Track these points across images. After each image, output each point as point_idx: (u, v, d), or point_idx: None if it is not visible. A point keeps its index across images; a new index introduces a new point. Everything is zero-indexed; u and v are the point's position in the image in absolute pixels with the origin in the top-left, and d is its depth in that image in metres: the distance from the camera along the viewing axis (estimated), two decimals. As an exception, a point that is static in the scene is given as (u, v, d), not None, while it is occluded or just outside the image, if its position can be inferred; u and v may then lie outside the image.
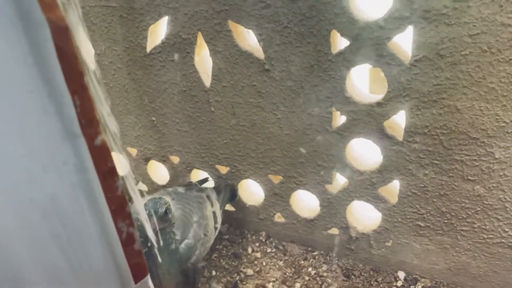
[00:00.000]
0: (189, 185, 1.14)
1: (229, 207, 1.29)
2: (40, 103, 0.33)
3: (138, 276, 0.43)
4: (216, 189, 1.17)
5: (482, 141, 0.85)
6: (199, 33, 0.99)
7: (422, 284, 1.09)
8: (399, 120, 0.93)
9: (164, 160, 1.29)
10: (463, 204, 0.94)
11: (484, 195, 0.91)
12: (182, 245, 0.90)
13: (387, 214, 1.05)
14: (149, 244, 0.82)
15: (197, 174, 1.29)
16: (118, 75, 1.17)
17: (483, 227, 0.95)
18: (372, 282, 1.12)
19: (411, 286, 1.09)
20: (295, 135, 1.04)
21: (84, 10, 1.08)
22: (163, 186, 1.35)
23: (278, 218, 1.23)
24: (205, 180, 1.22)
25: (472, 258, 1.01)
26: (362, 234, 1.12)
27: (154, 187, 1.37)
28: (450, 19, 0.75)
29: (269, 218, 1.24)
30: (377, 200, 1.04)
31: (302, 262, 1.19)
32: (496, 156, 0.85)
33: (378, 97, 0.90)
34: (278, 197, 1.18)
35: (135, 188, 0.51)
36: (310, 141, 1.03)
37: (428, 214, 0.99)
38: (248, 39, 0.99)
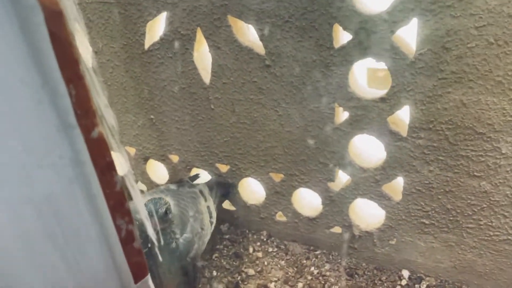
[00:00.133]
0: (181, 182, 1.12)
1: (229, 206, 1.28)
2: (33, 93, 0.31)
3: (138, 275, 0.41)
4: (208, 184, 1.16)
5: (489, 136, 0.83)
6: (198, 28, 0.98)
7: (427, 283, 1.07)
8: (403, 116, 0.91)
9: (163, 159, 1.27)
10: (469, 201, 0.93)
11: (491, 191, 0.89)
12: (181, 240, 0.88)
13: (391, 212, 1.03)
14: (149, 245, 0.80)
15: (202, 174, 1.27)
16: (116, 72, 1.15)
17: (489, 224, 0.94)
18: (376, 281, 1.10)
19: (416, 285, 1.07)
20: (296, 132, 1.02)
21: (80, 6, 1.06)
22: (163, 186, 1.33)
23: (280, 217, 1.21)
24: (196, 176, 1.20)
25: (478, 255, 1.00)
26: (365, 232, 1.10)
27: (153, 187, 1.35)
28: (455, 11, 0.73)
29: (270, 217, 1.22)
30: (380, 198, 1.02)
31: (305, 261, 1.17)
32: (503, 151, 0.84)
33: (382, 92, 0.88)
34: (279, 195, 1.16)
35: (135, 185, 0.49)
36: (312, 138, 1.01)
37: (433, 211, 0.98)
38: (248, 34, 0.97)
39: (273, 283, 1.12)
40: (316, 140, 1.01)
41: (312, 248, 1.20)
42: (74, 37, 0.33)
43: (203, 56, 1.04)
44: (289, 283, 1.11)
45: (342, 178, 1.07)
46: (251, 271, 1.15)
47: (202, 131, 1.14)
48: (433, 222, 0.99)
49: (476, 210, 0.93)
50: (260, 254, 1.20)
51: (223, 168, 1.20)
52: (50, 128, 0.33)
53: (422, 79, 0.82)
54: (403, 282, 1.09)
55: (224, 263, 1.18)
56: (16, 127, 0.32)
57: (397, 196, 1.00)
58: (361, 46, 0.84)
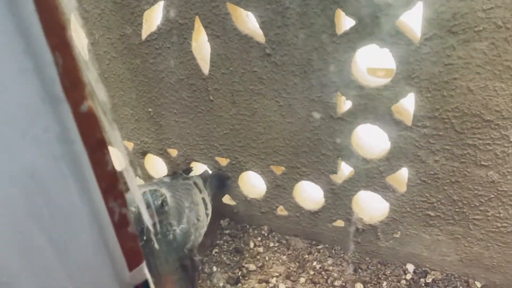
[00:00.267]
0: (174, 175, 1.10)
1: (229, 200, 1.25)
2: (14, 59, 0.29)
3: (132, 262, 0.38)
4: (202, 176, 1.14)
5: (497, 123, 0.80)
6: (197, 17, 0.95)
7: (433, 277, 1.05)
8: (407, 104, 0.89)
9: (161, 153, 1.25)
10: (475, 191, 0.90)
11: (498, 181, 0.87)
12: (178, 231, 0.86)
13: (395, 204, 1.00)
14: (144, 237, 0.78)
15: (196, 167, 1.24)
16: (113, 64, 1.12)
17: (497, 215, 0.91)
18: (380, 276, 1.07)
19: (421, 279, 1.05)
20: (298, 123, 1.00)
21: (76, -4, 1.04)
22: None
23: (281, 211, 1.19)
24: (190, 169, 1.18)
25: (485, 248, 0.97)
26: (369, 225, 1.07)
27: (151, 182, 1.32)
28: (462, -8, 0.71)
29: (271, 211, 1.20)
30: (384, 190, 0.99)
31: (307, 256, 1.14)
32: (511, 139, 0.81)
33: (386, 80, 0.86)
34: (280, 189, 1.14)
35: (132, 176, 0.46)
36: (314, 129, 0.98)
37: (439, 203, 0.95)
38: (248, 22, 0.94)
39: (274, 278, 1.09)
40: (317, 131, 0.98)
41: (314, 242, 1.18)
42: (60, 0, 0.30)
43: (201, 46, 1.02)
44: (291, 278, 1.09)
45: (345, 170, 1.04)
46: (252, 266, 1.12)
47: (201, 123, 1.12)
48: (438, 214, 0.97)
49: (483, 200, 0.91)
50: (261, 249, 1.17)
51: (223, 161, 1.17)
52: (33, 99, 0.30)
53: (428, 65, 0.80)
54: (408, 276, 1.06)
55: (225, 258, 1.16)
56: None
57: (402, 188, 0.97)
58: (364, 32, 0.81)
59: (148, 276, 0.41)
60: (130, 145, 1.27)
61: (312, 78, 0.91)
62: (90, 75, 0.36)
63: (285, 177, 1.11)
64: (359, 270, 1.09)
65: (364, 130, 0.97)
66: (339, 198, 1.07)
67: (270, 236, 1.21)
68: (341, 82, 0.89)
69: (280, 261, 1.14)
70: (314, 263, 1.12)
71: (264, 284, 1.08)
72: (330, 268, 1.10)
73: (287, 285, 1.08)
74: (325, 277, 1.09)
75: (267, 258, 1.15)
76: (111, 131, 0.38)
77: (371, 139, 1.00)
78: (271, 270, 1.12)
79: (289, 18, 0.86)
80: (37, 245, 0.33)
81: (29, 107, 0.30)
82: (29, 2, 0.28)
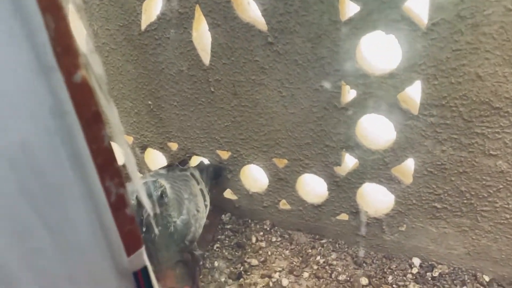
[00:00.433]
0: (170, 166, 1.08)
1: (231, 195, 1.23)
2: (1, 23, 0.26)
3: (131, 247, 0.36)
4: (199, 168, 1.12)
5: (506, 110, 0.78)
6: (197, 6, 0.93)
7: (439, 271, 1.02)
8: (414, 92, 0.86)
9: (162, 147, 1.22)
10: (484, 182, 0.88)
11: (508, 171, 0.85)
12: (178, 222, 0.84)
13: (401, 196, 0.98)
14: (144, 229, 0.75)
15: (197, 161, 1.22)
16: (112, 57, 1.10)
17: (506, 206, 0.89)
18: (385, 270, 1.05)
19: (428, 273, 1.03)
20: (301, 114, 0.98)
21: (73, -15, 1.02)
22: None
23: (283, 205, 1.16)
24: (186, 161, 1.16)
25: (493, 240, 0.95)
26: (373, 219, 1.05)
27: (152, 177, 1.30)
28: (471, -26, 0.69)
29: (274, 205, 1.17)
30: (390, 181, 0.97)
31: (310, 250, 1.12)
32: (521, 127, 0.79)
33: (391, 67, 0.83)
34: (283, 182, 1.11)
35: (134, 166, 0.43)
36: (317, 119, 0.96)
37: (446, 195, 0.93)
38: (249, 10, 0.92)
39: (277, 273, 1.07)
40: (321, 122, 0.96)
41: (317, 237, 1.15)
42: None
43: (202, 35, 1.00)
44: (294, 272, 1.07)
45: (349, 161, 1.02)
46: (254, 261, 1.10)
47: (202, 116, 1.10)
48: (445, 206, 0.95)
49: (491, 191, 0.88)
50: (263, 244, 1.15)
51: (224, 154, 1.15)
52: (24, 67, 0.28)
53: (435, 51, 0.77)
54: (414, 271, 1.04)
55: (226, 253, 1.14)
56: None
57: (408, 179, 0.95)
58: (369, 18, 0.79)
59: (148, 262, 0.39)
60: (130, 139, 1.25)
61: (315, 67, 0.89)
62: (85, 46, 0.34)
63: (288, 170, 1.09)
64: (364, 265, 1.07)
65: (369, 120, 0.95)
66: (343, 191, 1.05)
67: (272, 230, 1.19)
68: (345, 70, 0.87)
69: (283, 255, 1.12)
70: (318, 257, 1.10)
71: (266, 279, 1.06)
72: (334, 262, 1.08)
73: (290, 280, 1.05)
74: (329, 271, 1.06)
75: (269, 253, 1.13)
76: (108, 107, 0.35)
77: (376, 129, 0.98)
78: (273, 265, 1.10)
79: (292, 5, 0.84)
80: (28, 224, 0.31)
81: (19, 76, 0.28)
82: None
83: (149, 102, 1.14)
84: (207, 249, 1.15)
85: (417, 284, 1.01)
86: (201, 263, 1.04)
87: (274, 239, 1.17)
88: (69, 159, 0.32)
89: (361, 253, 1.10)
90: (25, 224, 0.30)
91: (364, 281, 1.03)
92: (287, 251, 1.13)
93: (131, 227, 0.36)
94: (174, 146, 1.21)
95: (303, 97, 0.95)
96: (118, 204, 0.35)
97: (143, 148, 1.26)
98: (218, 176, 1.16)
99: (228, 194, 1.23)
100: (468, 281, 1.00)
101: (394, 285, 1.01)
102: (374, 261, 1.08)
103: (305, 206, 1.13)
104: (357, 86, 0.87)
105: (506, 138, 0.81)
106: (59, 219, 0.32)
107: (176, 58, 1.02)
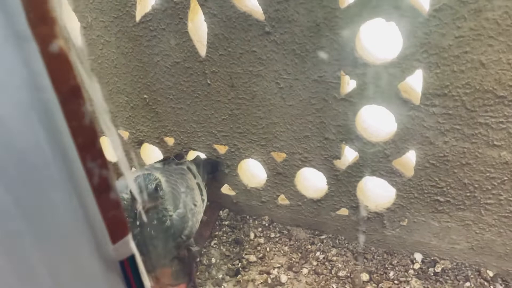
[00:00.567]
0: (166, 160, 1.06)
1: (228, 190, 1.20)
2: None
3: (116, 233, 0.34)
4: (195, 162, 1.10)
5: (510, 99, 0.76)
6: (192, -5, 0.91)
7: (442, 266, 1.00)
8: (415, 82, 0.84)
9: (158, 142, 1.20)
10: (487, 174, 0.86)
11: (512, 162, 0.82)
12: (174, 216, 0.82)
13: (402, 190, 0.96)
14: (138, 223, 0.73)
15: (194, 156, 1.20)
16: (107, 49, 1.08)
17: (510, 199, 0.87)
18: (386, 266, 1.03)
19: (430, 269, 1.00)
20: (299, 106, 0.95)
21: (66, -24, 0.99)
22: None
23: (282, 200, 1.14)
24: (182, 155, 1.13)
25: (498, 234, 0.93)
26: (374, 213, 1.03)
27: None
28: (474, -43, 0.67)
29: (272, 200, 1.15)
30: (391, 174, 0.95)
31: (309, 246, 1.10)
32: (526, 117, 0.77)
33: (392, 56, 0.81)
34: (281, 176, 1.09)
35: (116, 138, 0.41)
36: (316, 111, 0.94)
37: (448, 187, 0.91)
38: (246, -2, 0.90)
39: (276, 270, 1.05)
40: (320, 114, 0.94)
41: (317, 232, 1.13)
42: None
43: (198, 26, 0.97)
44: (293, 269, 1.04)
45: (349, 155, 1.00)
46: (252, 258, 1.08)
47: (199, 109, 1.07)
48: (448, 199, 0.92)
49: (495, 184, 0.86)
50: (261, 240, 1.13)
51: (222, 149, 1.13)
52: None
53: (437, 38, 0.75)
54: (416, 266, 1.02)
55: (224, 249, 1.11)
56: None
57: (409, 172, 0.93)
58: (369, 5, 0.77)
59: (135, 250, 0.37)
60: (126, 134, 1.23)
61: (314, 57, 0.87)
62: (62, 13, 0.31)
63: (286, 164, 1.06)
64: (365, 260, 1.05)
65: (369, 111, 0.93)
66: (343, 185, 1.02)
67: (271, 226, 1.16)
68: (345, 60, 0.85)
69: (282, 252, 1.09)
70: (317, 253, 1.08)
71: (265, 275, 1.04)
72: (334, 258, 1.06)
73: (289, 276, 1.03)
74: (329, 267, 1.04)
75: (268, 249, 1.10)
76: (90, 83, 0.33)
77: (376, 121, 0.95)
78: (272, 261, 1.07)
79: (290, -7, 0.82)
80: (1, 207, 0.29)
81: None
82: None
83: (145, 96, 1.12)
84: (205, 245, 1.12)
85: (419, 280, 0.98)
86: (198, 259, 1.02)
87: (272, 235, 1.14)
88: (46, 137, 0.29)
89: (362, 248, 1.07)
90: (-2, 206, 0.28)
91: (365, 277, 1.00)
92: (286, 247, 1.10)
93: (115, 212, 0.34)
94: (170, 141, 1.18)
95: (302, 88, 0.92)
96: (101, 187, 0.32)
97: (139, 143, 1.23)
98: (215, 170, 1.14)
99: (225, 189, 1.21)
100: (472, 276, 0.98)
101: (395, 281, 0.99)
102: (375, 256, 1.05)
103: (304, 201, 1.10)
104: (356, 76, 0.85)
105: (510, 128, 0.79)
106: (36, 201, 0.30)
107: (171, 50, 1.00)
